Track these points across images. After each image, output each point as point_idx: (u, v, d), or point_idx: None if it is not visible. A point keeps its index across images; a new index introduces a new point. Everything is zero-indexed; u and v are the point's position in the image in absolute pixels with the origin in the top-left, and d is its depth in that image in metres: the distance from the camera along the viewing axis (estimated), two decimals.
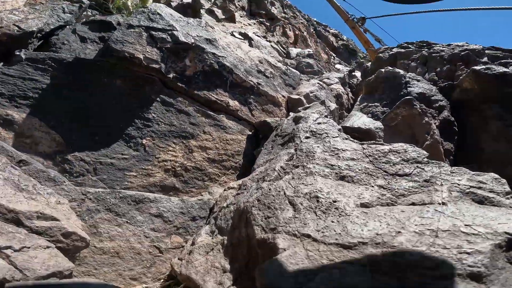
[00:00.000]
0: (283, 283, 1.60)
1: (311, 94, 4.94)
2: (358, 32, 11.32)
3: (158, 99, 3.62)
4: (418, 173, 2.24)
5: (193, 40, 4.12)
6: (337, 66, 9.28)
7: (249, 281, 2.10)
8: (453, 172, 2.23)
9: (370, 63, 6.94)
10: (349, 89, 6.45)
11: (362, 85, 6.21)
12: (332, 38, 10.66)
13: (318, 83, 5.36)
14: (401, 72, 4.40)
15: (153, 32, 3.86)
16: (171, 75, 3.75)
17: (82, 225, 2.58)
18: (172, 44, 3.94)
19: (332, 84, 6.07)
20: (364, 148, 2.66)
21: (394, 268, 1.56)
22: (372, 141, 2.77)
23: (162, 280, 2.70)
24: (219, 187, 3.50)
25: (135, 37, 3.71)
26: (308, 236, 1.70)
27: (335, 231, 1.71)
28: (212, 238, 2.69)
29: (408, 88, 4.02)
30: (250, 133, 4.03)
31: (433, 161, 2.31)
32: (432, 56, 5.14)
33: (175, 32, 3.99)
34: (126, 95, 3.46)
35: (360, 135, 3.49)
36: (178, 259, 2.72)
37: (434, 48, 5.36)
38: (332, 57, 8.85)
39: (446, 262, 1.62)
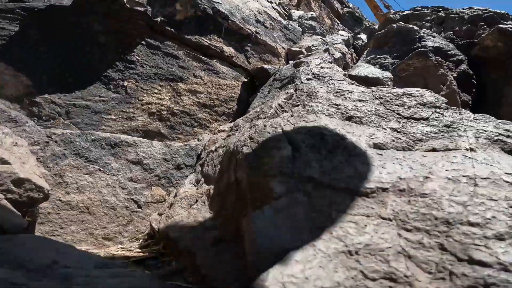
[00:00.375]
0: (277, 239, 1.07)
1: (313, 48, 4.25)
2: None
3: (143, 42, 2.99)
4: (437, 117, 1.74)
5: None
6: (341, 32, 8.39)
7: (237, 237, 1.59)
8: (477, 119, 1.75)
9: (378, 25, 6.14)
10: (353, 50, 5.71)
11: (368, 44, 5.48)
12: (337, 5, 9.65)
13: (321, 39, 4.64)
14: (415, 27, 3.70)
15: None
16: (158, 19, 3.10)
17: (44, 174, 2.05)
18: None
19: (336, 43, 5.34)
20: (373, 91, 2.08)
21: (429, 223, 1.02)
22: (382, 86, 2.19)
23: (141, 240, 2.16)
24: (209, 134, 2.93)
25: None
26: (311, 179, 1.16)
27: (345, 173, 1.17)
28: (197, 188, 2.17)
29: (422, 42, 3.38)
30: (246, 80, 3.41)
31: (452, 107, 1.79)
32: (450, 17, 4.38)
33: None
34: (106, 39, 2.83)
35: (367, 84, 2.87)
36: (158, 214, 2.21)
37: (453, 10, 4.60)
38: (336, 24, 7.98)
39: (497, 217, 1.08)
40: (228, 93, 3.12)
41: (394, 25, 3.83)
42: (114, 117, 2.53)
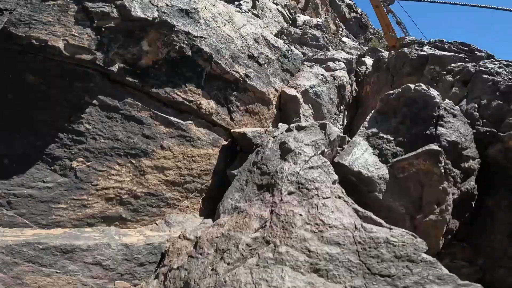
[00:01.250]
0: None
1: (310, 90, 3.80)
2: (381, 12, 9.38)
3: (95, 101, 2.41)
4: (403, 275, 1.60)
5: (156, 14, 2.73)
6: (344, 39, 7.72)
7: None
8: (441, 279, 1.58)
9: (386, 53, 5.45)
10: (354, 78, 5.21)
11: (371, 80, 5.04)
12: (345, 9, 8.82)
13: (321, 74, 4.14)
14: (437, 98, 2.86)
15: (89, 4, 2.47)
16: (115, 67, 2.49)
17: (2, 278, 1.84)
18: (119, 21, 2.56)
19: (337, 70, 4.87)
20: (356, 229, 1.82)
21: None
22: (370, 216, 1.91)
23: None
24: (179, 213, 2.65)
25: (55, 13, 2.37)
26: None
27: None
28: None
29: (439, 128, 2.69)
30: (226, 143, 3.01)
31: (427, 259, 1.65)
32: (480, 78, 3.49)
33: (126, 3, 2.59)
34: (43, 97, 2.28)
35: (358, 181, 2.53)
36: None
37: (484, 63, 3.65)
38: (341, 29, 7.32)
39: None
40: (203, 166, 2.75)
41: (412, 87, 3.08)
42: (64, 206, 2.19)
